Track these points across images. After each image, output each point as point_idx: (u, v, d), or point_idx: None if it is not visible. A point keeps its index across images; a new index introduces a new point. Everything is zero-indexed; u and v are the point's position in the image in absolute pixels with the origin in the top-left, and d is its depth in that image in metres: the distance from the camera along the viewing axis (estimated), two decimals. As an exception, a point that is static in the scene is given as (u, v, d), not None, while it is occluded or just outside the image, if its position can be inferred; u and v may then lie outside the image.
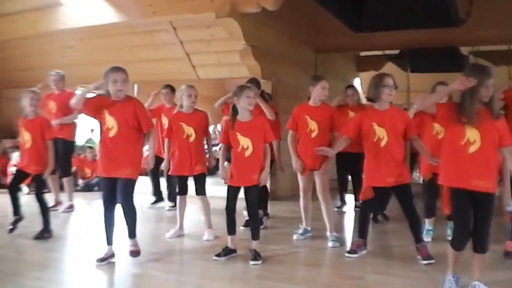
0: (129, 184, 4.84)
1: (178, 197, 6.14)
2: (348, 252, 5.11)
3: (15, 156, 10.70)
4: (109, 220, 4.90)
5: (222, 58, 9.58)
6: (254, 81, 6.59)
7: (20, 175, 6.23)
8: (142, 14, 8.94)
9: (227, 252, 5.04)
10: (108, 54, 10.42)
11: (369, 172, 5.06)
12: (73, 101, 4.86)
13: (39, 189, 6.08)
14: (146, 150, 6.00)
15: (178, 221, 6.13)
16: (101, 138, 4.87)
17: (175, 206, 6.84)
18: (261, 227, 5.93)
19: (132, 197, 4.88)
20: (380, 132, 4.93)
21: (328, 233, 5.70)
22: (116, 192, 4.80)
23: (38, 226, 5.89)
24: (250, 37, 8.64)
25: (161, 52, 10.01)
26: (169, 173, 6.15)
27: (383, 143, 4.92)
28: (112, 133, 4.77)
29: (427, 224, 5.75)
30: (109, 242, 4.91)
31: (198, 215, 6.35)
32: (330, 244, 5.57)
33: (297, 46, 10.81)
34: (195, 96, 5.96)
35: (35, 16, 9.98)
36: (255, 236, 5.05)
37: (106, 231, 4.91)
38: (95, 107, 4.80)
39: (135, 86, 10.26)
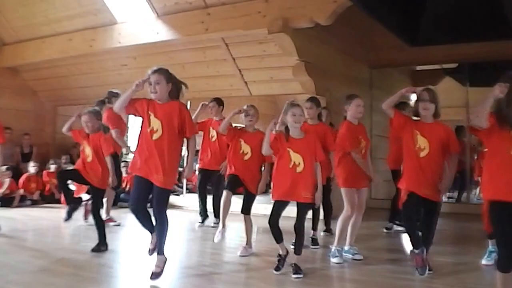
0: (163, 194, 4.73)
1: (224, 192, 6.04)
2: (421, 270, 4.85)
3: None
4: (144, 220, 4.89)
5: (274, 74, 9.51)
6: (314, 100, 6.61)
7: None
8: (194, 31, 9.00)
9: (281, 261, 5.14)
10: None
11: (408, 179, 4.95)
12: (116, 104, 4.78)
13: (96, 203, 6.12)
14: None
15: (221, 220, 6.10)
16: (143, 140, 4.73)
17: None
18: (317, 247, 6.26)
19: (165, 208, 4.77)
20: (422, 142, 4.86)
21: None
22: (149, 196, 4.77)
23: (91, 240, 5.98)
24: (303, 52, 8.53)
25: (213, 68, 10.03)
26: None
27: (423, 154, 4.84)
28: (155, 136, 4.64)
29: (490, 245, 5.44)
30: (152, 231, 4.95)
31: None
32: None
33: (351, 61, 10.65)
34: (253, 115, 5.97)
35: (91, 34, 10.22)
36: (297, 251, 5.06)
37: (146, 228, 4.94)
38: (141, 108, 4.71)
39: (188, 102, 10.27)
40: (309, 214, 5.49)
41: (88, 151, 6.13)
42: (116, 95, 7.78)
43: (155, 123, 4.65)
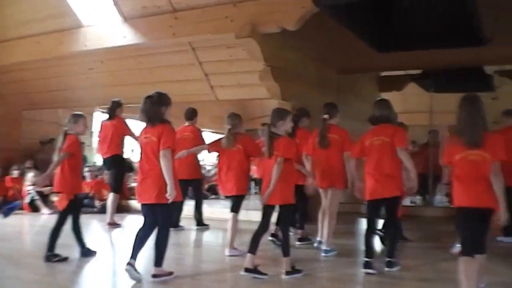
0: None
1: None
2: None
3: (30, 177, 10.79)
4: None
5: (241, 79, 9.51)
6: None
7: None
8: (162, 35, 8.96)
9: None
10: (128, 75, 10.48)
11: None
12: None
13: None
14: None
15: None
16: None
17: None
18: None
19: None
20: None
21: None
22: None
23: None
24: (270, 57, 8.56)
25: (180, 73, 9.99)
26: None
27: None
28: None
29: None
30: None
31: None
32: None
33: (319, 67, 10.71)
34: None
35: (58, 37, 10.06)
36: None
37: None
38: None
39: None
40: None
41: None
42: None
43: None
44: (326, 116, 6.68)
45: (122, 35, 9.22)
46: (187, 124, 8.63)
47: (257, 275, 5.32)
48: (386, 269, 5.62)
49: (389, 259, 5.69)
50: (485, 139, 4.28)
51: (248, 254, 5.40)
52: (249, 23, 8.02)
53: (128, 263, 5.05)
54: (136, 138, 7.65)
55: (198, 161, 9.11)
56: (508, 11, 8.38)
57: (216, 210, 9.95)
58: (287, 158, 5.42)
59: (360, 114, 12.39)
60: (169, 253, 5.34)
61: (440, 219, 9.67)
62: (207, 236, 8.35)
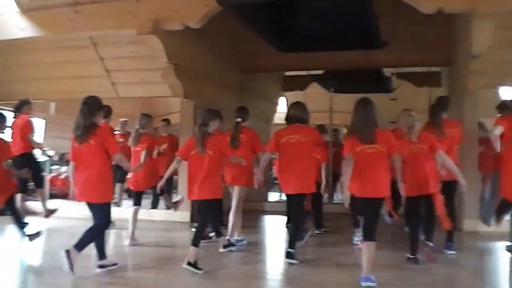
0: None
1: None
2: None
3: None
4: None
5: (143, 76, 9.40)
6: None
7: None
8: (61, 29, 8.63)
9: None
10: (26, 70, 10.11)
11: None
12: None
13: None
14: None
15: None
16: None
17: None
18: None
19: None
20: None
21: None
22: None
23: None
24: (173, 55, 8.45)
25: (81, 68, 9.75)
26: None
27: None
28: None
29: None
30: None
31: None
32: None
33: (222, 65, 10.73)
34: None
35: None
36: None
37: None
38: None
39: (52, 104, 9.91)
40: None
41: None
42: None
43: None
44: (239, 119, 6.99)
45: (19, 27, 8.80)
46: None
47: (195, 270, 5.39)
48: (286, 259, 5.82)
49: (290, 249, 5.87)
50: (378, 136, 4.97)
51: (191, 247, 5.47)
52: (152, 20, 7.87)
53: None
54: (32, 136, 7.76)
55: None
56: (405, 18, 8.72)
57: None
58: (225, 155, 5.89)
59: (263, 113, 12.60)
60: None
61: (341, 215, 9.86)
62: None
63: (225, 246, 6.44)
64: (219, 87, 10.32)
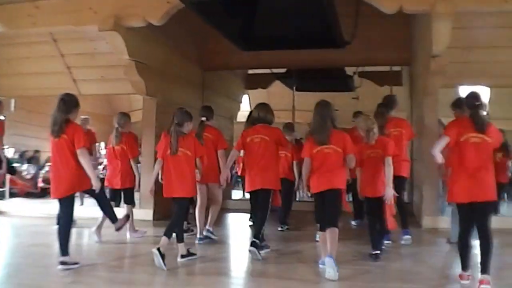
0: None
1: None
2: None
3: None
4: None
5: (105, 73, 9.32)
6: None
7: None
8: (21, 24, 8.48)
9: None
10: (-17, 66, 9.89)
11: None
12: None
13: None
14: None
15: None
16: None
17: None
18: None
19: None
20: None
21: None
22: None
23: None
24: (134, 52, 8.40)
25: (41, 65, 9.62)
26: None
27: None
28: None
29: None
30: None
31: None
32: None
33: (184, 63, 10.70)
34: None
35: None
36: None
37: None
38: None
39: (12, 101, 9.73)
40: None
41: None
42: None
43: None
44: (203, 118, 7.17)
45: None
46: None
47: (190, 257, 5.92)
48: (250, 247, 5.96)
49: (254, 239, 6.04)
50: (333, 137, 5.36)
51: (179, 244, 5.89)
52: (113, 16, 7.79)
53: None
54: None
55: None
56: (367, 17, 8.80)
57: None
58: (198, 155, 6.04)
59: (227, 111, 12.58)
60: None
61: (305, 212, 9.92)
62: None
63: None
64: (182, 84, 10.30)
